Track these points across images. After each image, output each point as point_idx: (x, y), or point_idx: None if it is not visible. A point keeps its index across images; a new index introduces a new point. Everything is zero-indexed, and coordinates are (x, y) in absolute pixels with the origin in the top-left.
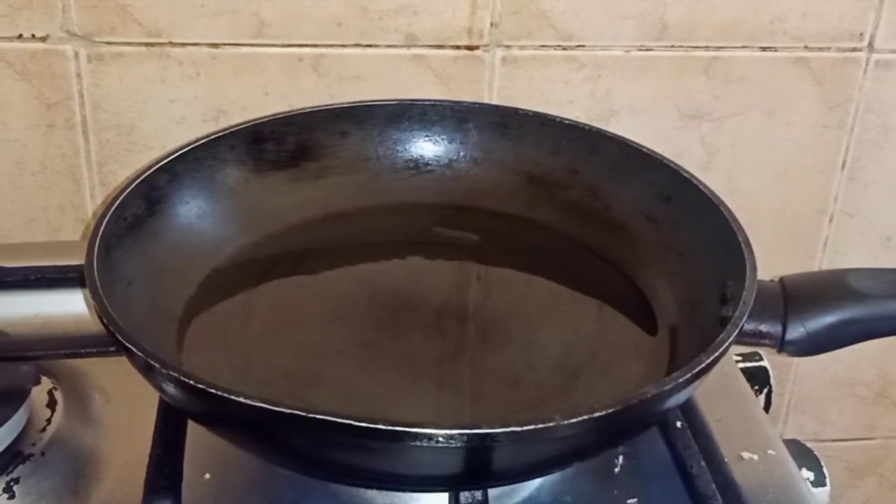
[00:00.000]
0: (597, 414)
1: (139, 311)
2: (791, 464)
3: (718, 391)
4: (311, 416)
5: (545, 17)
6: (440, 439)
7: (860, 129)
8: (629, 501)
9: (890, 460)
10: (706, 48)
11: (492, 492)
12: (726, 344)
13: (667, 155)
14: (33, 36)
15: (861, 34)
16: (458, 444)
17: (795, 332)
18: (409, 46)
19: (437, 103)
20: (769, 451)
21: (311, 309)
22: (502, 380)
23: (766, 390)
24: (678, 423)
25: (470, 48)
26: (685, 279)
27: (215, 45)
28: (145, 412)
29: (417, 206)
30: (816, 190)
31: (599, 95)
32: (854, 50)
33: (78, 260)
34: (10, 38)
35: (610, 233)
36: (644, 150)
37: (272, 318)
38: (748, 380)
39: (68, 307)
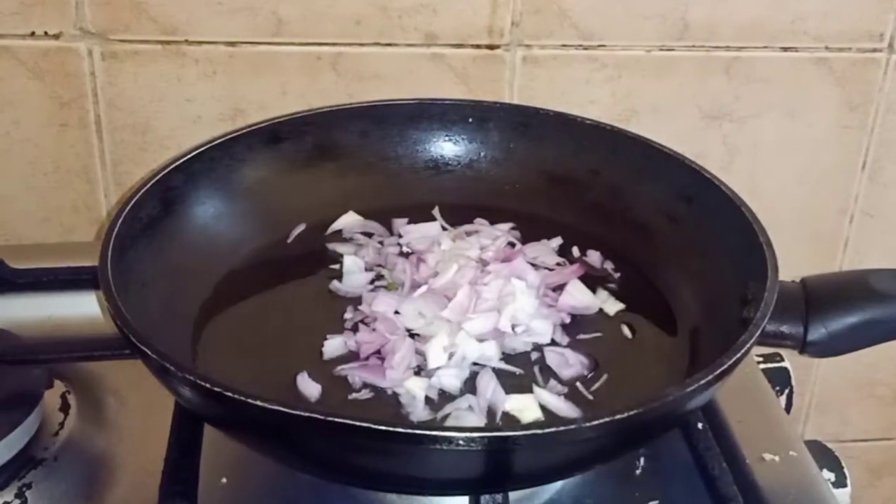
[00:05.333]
0: (618, 416)
1: (154, 314)
2: (812, 465)
3: (740, 392)
4: (330, 419)
5: (566, 17)
6: (461, 442)
7: (880, 129)
8: (650, 503)
9: None
10: (727, 48)
11: (513, 495)
12: (748, 345)
13: (688, 155)
14: (46, 33)
15: (881, 35)
16: (479, 447)
17: (817, 333)
18: (428, 45)
19: (458, 103)
20: (790, 453)
21: (330, 310)
22: None
23: (787, 391)
24: (699, 425)
25: (490, 47)
26: (706, 280)
27: (232, 44)
28: (160, 416)
29: (437, 207)
30: (837, 190)
31: (620, 95)
32: (874, 51)
33: (92, 261)
34: (23, 36)
35: (631, 233)
36: (665, 150)
37: (290, 320)
38: (769, 381)
39: (82, 309)
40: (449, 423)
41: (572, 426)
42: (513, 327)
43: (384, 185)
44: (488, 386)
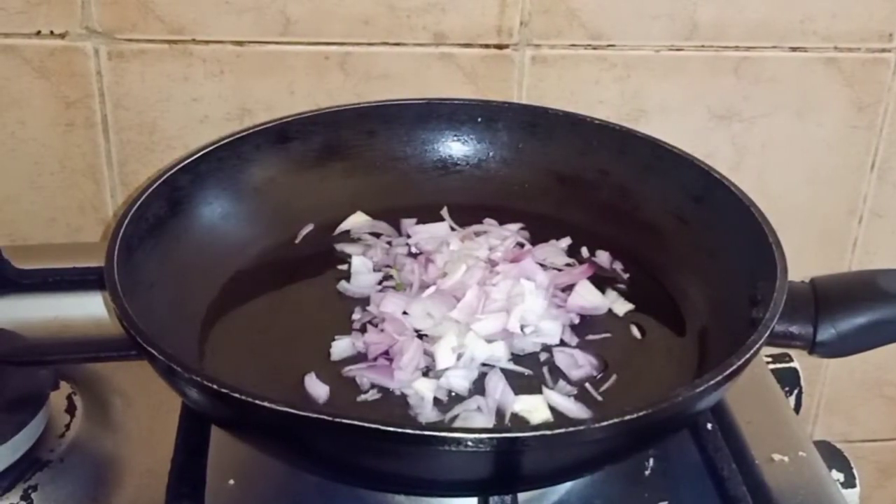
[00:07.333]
0: (627, 417)
1: (161, 314)
2: (821, 465)
3: (749, 393)
4: (338, 420)
5: (575, 16)
6: (469, 443)
7: (889, 129)
8: None
9: None
10: (736, 48)
11: (522, 496)
12: (757, 346)
13: (697, 155)
14: (52, 33)
15: (890, 35)
16: (488, 448)
17: (826, 333)
18: (437, 45)
19: (466, 103)
20: (800, 453)
21: (338, 311)
22: None
23: (796, 391)
24: (709, 426)
25: (499, 47)
26: (715, 280)
27: (240, 43)
28: (167, 417)
29: (446, 207)
30: (846, 191)
31: (629, 95)
32: (883, 51)
33: (98, 262)
34: (29, 35)
35: (640, 233)
36: (674, 150)
37: (298, 321)
38: (778, 381)
39: (88, 310)
40: (457, 424)
41: (581, 427)
42: (522, 328)
43: (392, 185)
44: (497, 387)
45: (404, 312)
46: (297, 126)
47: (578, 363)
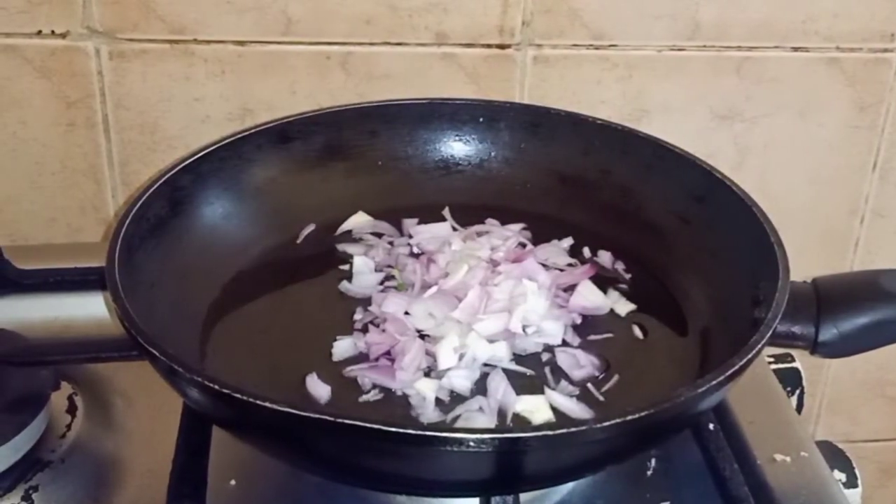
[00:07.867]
0: (629, 417)
1: (162, 315)
2: (823, 465)
3: (751, 393)
4: (340, 421)
5: (577, 16)
6: (471, 444)
7: (891, 129)
8: None
9: None
10: (738, 48)
11: (523, 496)
12: (759, 346)
13: (699, 155)
14: (53, 32)
15: (892, 35)
16: (489, 449)
17: (828, 333)
18: (439, 45)
19: (468, 102)
20: (801, 453)
21: (340, 311)
22: None
23: (798, 392)
24: (711, 426)
25: (501, 47)
26: (717, 280)
27: (241, 43)
28: (168, 418)
29: (448, 207)
30: (848, 191)
31: (631, 95)
32: (885, 51)
33: (99, 262)
34: (30, 35)
35: (642, 233)
36: (676, 150)
37: (299, 321)
38: (780, 381)
39: (89, 310)
40: (459, 424)
41: (583, 427)
42: (523, 328)
43: (394, 185)
44: (499, 387)
45: (406, 312)
46: (298, 126)
47: (580, 363)
